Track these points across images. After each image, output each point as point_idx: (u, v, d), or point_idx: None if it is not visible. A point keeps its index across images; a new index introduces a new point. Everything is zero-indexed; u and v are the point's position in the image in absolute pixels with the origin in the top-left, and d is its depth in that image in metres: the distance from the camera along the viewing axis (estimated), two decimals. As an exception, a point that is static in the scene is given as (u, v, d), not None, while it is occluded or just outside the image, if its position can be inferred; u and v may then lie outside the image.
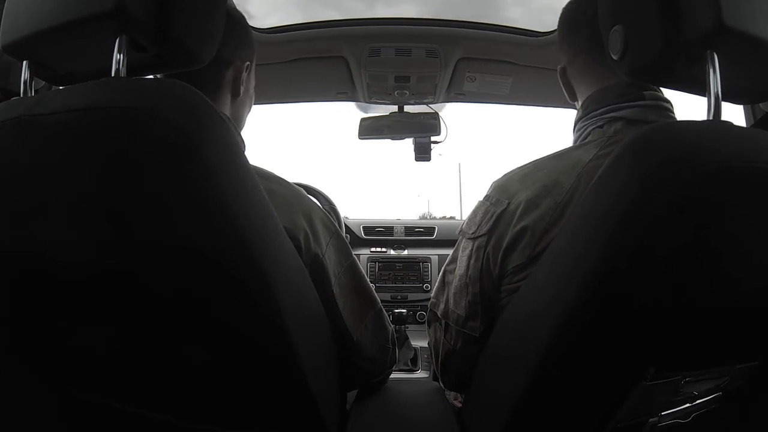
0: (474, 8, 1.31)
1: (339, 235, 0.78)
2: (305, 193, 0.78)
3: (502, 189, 0.73)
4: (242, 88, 0.77)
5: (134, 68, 0.50)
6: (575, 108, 0.79)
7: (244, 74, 0.77)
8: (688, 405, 0.61)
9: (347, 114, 1.66)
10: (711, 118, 0.50)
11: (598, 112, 0.71)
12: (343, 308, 0.75)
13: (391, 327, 0.87)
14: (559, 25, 0.82)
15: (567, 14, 0.80)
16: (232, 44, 0.74)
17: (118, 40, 0.48)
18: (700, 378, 0.58)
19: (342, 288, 0.76)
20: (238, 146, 0.51)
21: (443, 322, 0.80)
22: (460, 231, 0.79)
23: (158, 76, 0.67)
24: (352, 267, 0.79)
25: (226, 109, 0.76)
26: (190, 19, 0.50)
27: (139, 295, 0.51)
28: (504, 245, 0.68)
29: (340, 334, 0.76)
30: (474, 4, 1.31)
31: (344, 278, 0.77)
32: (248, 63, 0.78)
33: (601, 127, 0.70)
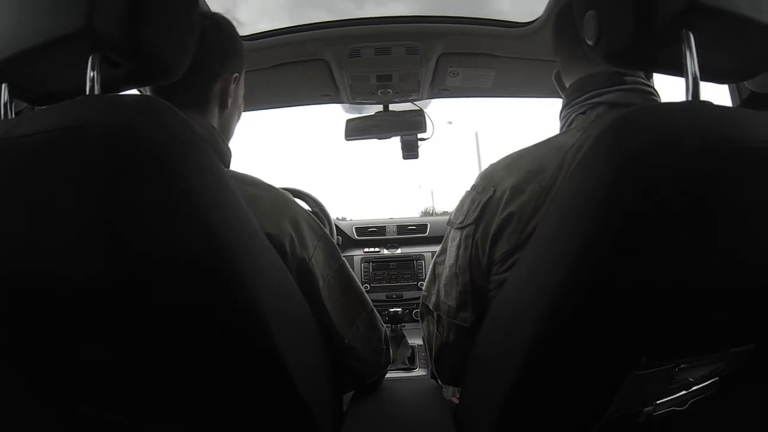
0: (464, 3, 1.30)
1: (327, 239, 0.78)
2: (292, 197, 0.77)
3: (488, 178, 0.73)
4: (230, 100, 0.76)
5: (112, 84, 0.50)
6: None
7: (232, 86, 0.76)
8: (684, 392, 0.60)
9: (339, 116, 1.66)
10: (690, 98, 0.49)
11: (581, 98, 0.72)
12: (332, 310, 0.74)
13: (384, 328, 0.87)
14: (552, 28, 0.83)
15: (560, 11, 0.81)
16: (219, 56, 0.74)
17: (90, 59, 0.47)
18: (694, 364, 0.57)
19: (331, 291, 0.75)
20: (217, 160, 0.52)
21: (435, 314, 0.80)
22: (449, 222, 0.80)
23: (146, 91, 0.67)
24: (341, 269, 0.79)
25: (214, 121, 0.75)
26: (161, 33, 0.50)
27: (130, 301, 0.51)
28: (491, 232, 0.69)
29: (330, 336, 0.75)
30: (463, -2, 1.31)
31: (333, 281, 0.77)
32: (236, 74, 0.77)
33: (584, 113, 0.71)
